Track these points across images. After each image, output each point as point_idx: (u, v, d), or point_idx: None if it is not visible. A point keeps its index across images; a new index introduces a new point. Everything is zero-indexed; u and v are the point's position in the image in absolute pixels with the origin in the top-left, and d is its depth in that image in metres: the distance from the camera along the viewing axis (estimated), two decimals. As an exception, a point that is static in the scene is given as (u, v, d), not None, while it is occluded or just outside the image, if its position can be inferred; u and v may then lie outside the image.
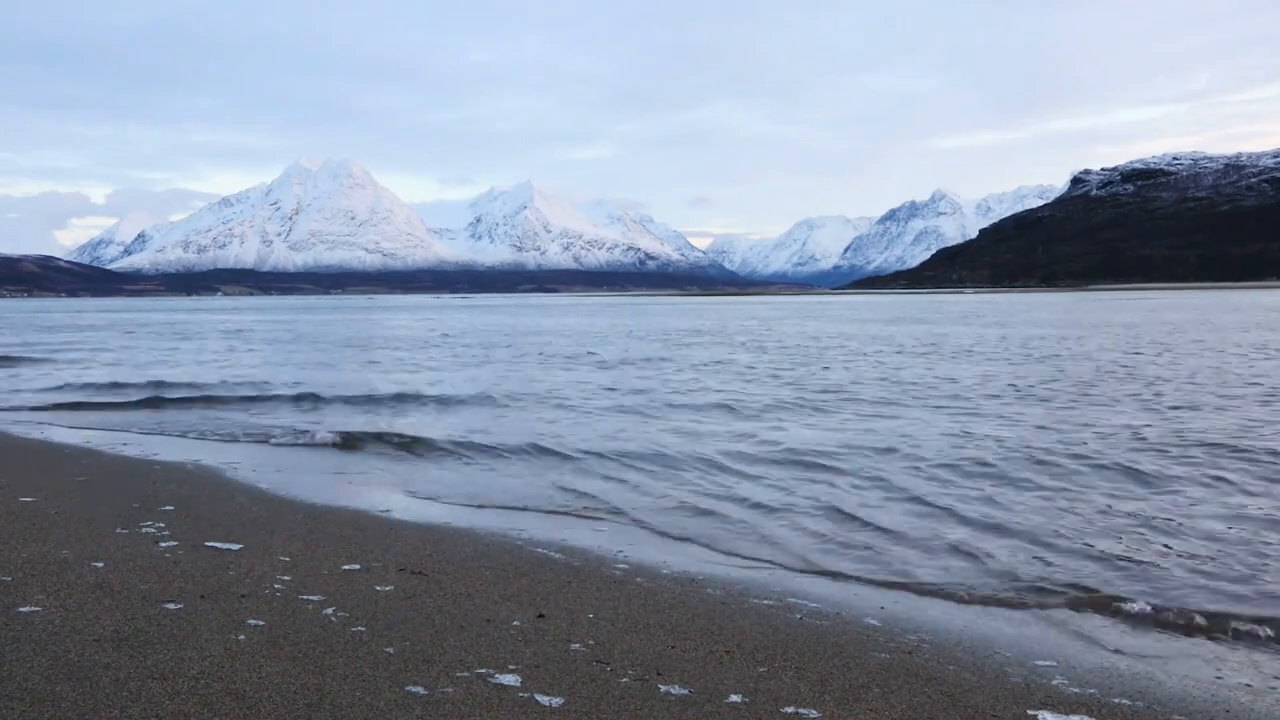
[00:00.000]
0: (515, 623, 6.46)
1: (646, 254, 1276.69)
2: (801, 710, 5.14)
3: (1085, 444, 14.10)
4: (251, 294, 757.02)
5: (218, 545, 8.42)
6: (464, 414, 19.11)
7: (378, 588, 7.23)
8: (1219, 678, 5.96)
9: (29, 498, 10.41)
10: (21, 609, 6.42)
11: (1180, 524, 9.52)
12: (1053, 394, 20.96)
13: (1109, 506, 10.29)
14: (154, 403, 21.15)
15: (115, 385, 24.87)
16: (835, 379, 25.50)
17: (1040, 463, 12.73)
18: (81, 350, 42.80)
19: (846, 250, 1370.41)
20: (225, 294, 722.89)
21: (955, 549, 8.82)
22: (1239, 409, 17.83)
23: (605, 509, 10.73)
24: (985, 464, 12.73)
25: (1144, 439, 14.43)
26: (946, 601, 7.51)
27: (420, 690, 5.22)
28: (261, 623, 6.27)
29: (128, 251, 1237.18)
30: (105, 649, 5.69)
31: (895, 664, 5.92)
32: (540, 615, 6.65)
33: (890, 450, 13.89)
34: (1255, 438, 14.39)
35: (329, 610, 6.61)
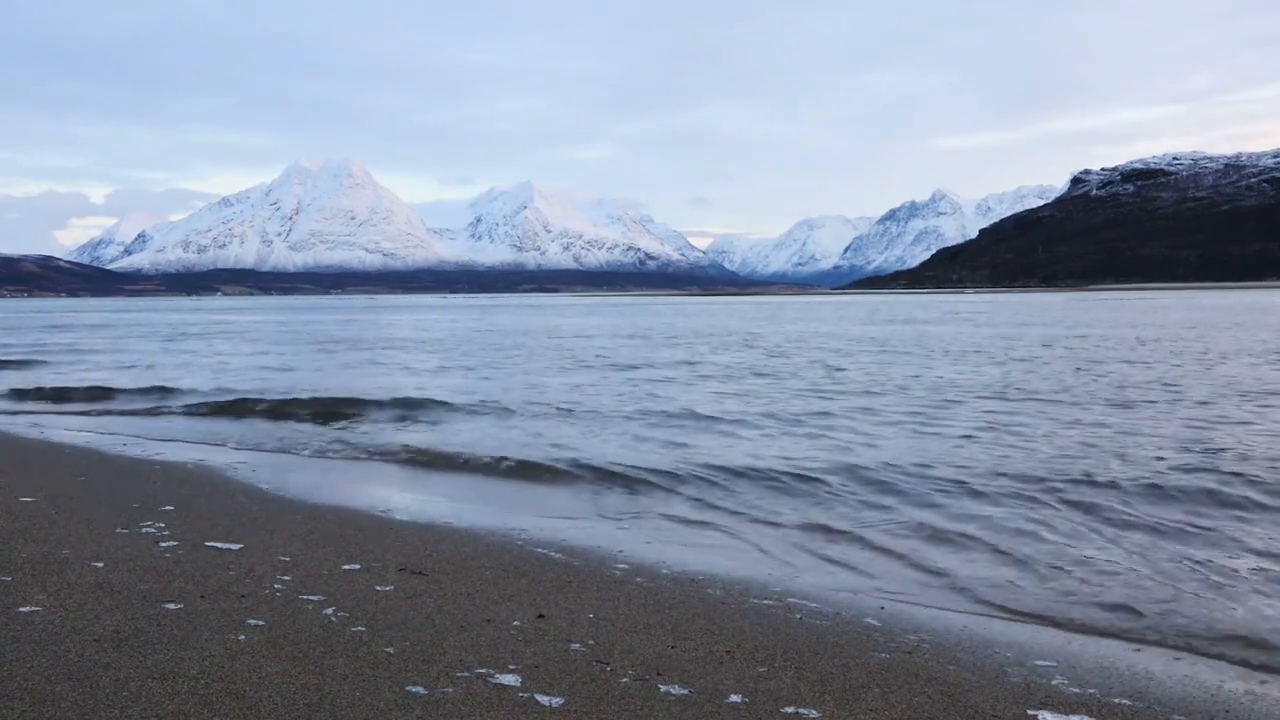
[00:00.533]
0: (515, 623, 6.46)
1: (646, 254, 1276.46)
2: (801, 710, 5.14)
3: (1055, 451, 14.00)
4: (252, 294, 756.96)
5: (218, 545, 8.42)
6: (465, 420, 18.98)
7: (378, 588, 7.23)
8: (1219, 678, 5.96)
9: (29, 498, 10.41)
10: (21, 609, 6.42)
11: (1151, 529, 9.51)
12: (1028, 396, 20.94)
13: (1076, 514, 10.12)
14: (147, 411, 20.98)
15: (102, 390, 24.56)
16: (814, 379, 25.50)
17: (1019, 475, 12.46)
18: (75, 352, 42.79)
19: (846, 250, 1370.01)
20: (225, 294, 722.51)
21: (935, 563, 8.65)
22: (1199, 412, 17.82)
23: (599, 516, 10.73)
24: (961, 469, 12.67)
25: (1098, 445, 14.06)
26: (946, 603, 7.51)
27: (420, 690, 5.21)
28: (261, 623, 6.27)
29: (128, 251, 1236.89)
30: (105, 649, 5.68)
31: (895, 664, 5.92)
32: (540, 615, 6.65)
33: (859, 459, 13.64)
34: (1212, 443, 14.37)
35: (329, 610, 6.61)
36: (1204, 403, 18.79)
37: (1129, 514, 9.96)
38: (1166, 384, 22.31)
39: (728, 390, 23.03)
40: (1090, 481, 11.43)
